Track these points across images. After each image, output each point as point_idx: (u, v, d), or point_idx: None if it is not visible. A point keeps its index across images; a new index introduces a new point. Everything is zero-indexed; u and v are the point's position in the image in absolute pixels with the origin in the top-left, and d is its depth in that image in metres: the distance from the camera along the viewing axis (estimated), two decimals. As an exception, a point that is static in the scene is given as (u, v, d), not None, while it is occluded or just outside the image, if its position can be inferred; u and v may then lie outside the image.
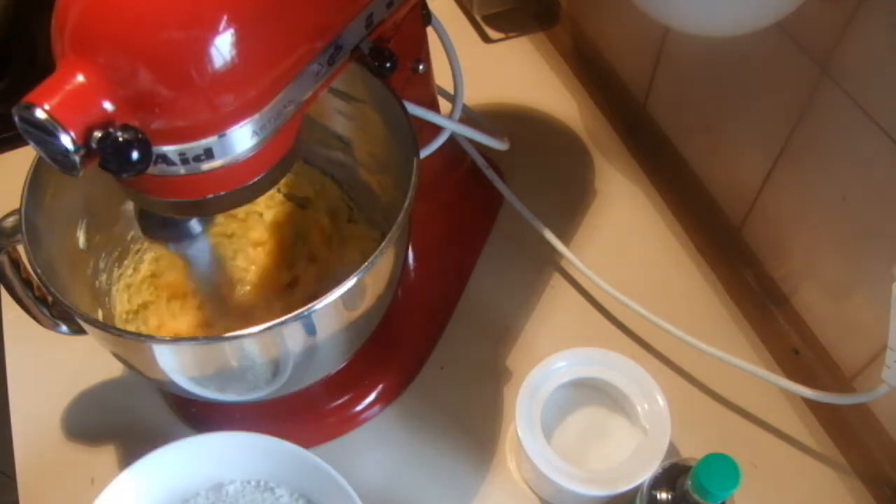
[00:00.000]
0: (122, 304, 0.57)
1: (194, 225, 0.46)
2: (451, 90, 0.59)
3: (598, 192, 0.74)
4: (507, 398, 0.62)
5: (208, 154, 0.37)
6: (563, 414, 0.57)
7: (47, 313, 0.54)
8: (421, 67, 0.55)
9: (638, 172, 0.75)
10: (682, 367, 0.63)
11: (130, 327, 0.56)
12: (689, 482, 0.45)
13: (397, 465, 0.59)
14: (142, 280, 0.59)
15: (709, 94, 0.65)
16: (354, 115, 0.56)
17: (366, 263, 0.44)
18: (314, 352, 0.48)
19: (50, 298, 0.53)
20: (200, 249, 0.49)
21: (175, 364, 0.46)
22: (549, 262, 0.70)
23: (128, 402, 0.62)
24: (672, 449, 0.58)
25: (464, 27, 0.89)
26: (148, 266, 0.59)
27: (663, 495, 0.48)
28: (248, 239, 0.62)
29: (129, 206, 0.58)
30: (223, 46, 0.34)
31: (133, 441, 0.60)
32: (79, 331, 0.54)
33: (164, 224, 0.45)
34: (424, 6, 0.54)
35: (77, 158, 0.33)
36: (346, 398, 0.61)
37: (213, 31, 0.34)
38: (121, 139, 0.34)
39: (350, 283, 0.43)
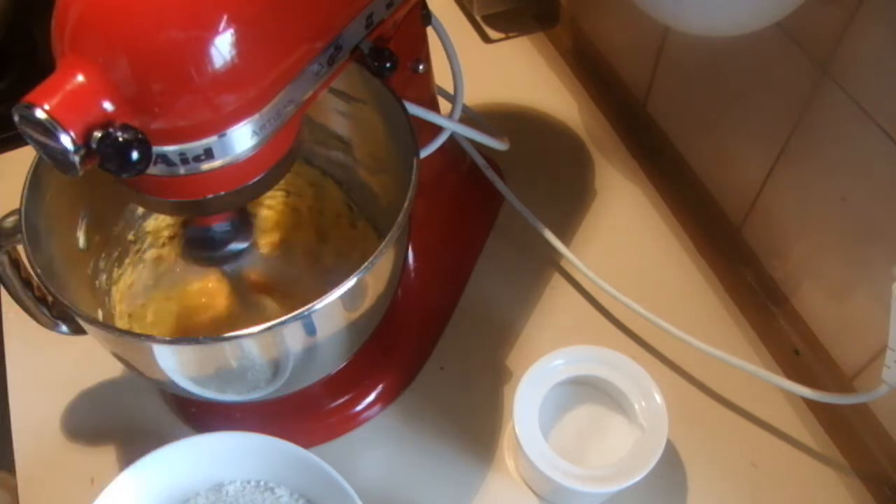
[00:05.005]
0: (122, 303, 0.57)
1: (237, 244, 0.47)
2: (451, 90, 0.59)
3: (598, 192, 0.74)
4: (507, 397, 0.62)
5: (208, 154, 0.37)
6: (560, 412, 0.57)
7: (47, 313, 0.54)
8: (421, 67, 0.55)
9: (638, 172, 0.75)
10: (681, 367, 0.63)
11: (127, 324, 0.56)
12: None
13: (397, 465, 0.59)
14: (142, 279, 0.59)
15: (709, 94, 0.65)
16: (354, 115, 0.56)
17: (366, 263, 0.44)
18: (314, 352, 0.48)
19: (50, 298, 0.53)
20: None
21: (175, 364, 0.46)
22: (549, 262, 0.70)
23: (128, 402, 0.62)
24: (671, 448, 0.59)
25: (464, 27, 0.89)
26: (149, 266, 0.59)
27: None
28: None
29: (130, 206, 0.58)
30: (223, 46, 0.34)
31: (133, 441, 0.60)
32: (79, 331, 0.54)
33: (207, 245, 0.46)
34: (424, 6, 0.54)
35: (77, 158, 0.33)
36: (346, 398, 0.61)
37: (213, 30, 0.34)
38: (121, 139, 0.34)
39: (350, 282, 0.43)
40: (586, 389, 0.57)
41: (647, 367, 0.55)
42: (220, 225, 0.46)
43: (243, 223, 0.47)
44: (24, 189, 0.46)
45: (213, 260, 0.48)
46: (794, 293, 0.62)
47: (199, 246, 0.47)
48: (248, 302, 0.59)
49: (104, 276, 0.56)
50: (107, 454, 0.60)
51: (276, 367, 0.47)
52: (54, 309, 0.54)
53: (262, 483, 0.53)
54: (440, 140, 0.58)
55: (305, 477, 0.52)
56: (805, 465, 0.58)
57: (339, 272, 0.59)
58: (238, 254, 0.47)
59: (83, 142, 0.33)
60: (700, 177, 0.70)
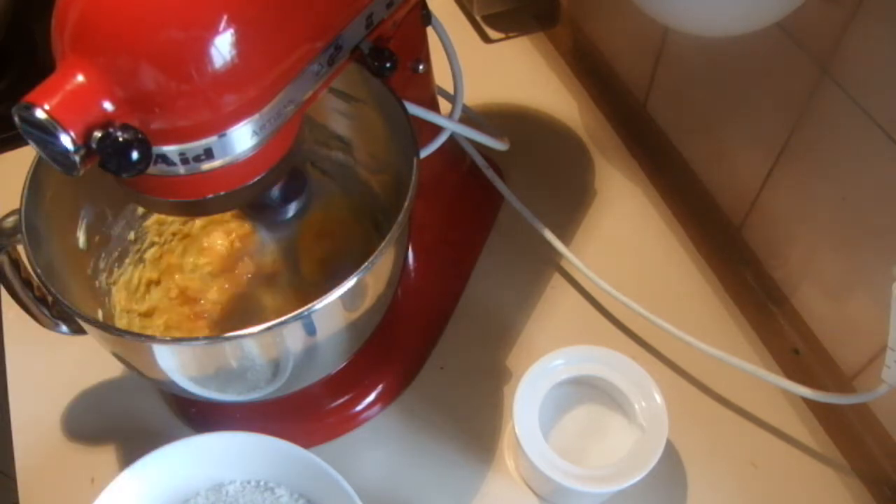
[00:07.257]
0: (121, 303, 0.57)
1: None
2: (451, 90, 0.59)
3: (598, 192, 0.74)
4: (507, 397, 0.62)
5: (208, 154, 0.37)
6: (560, 412, 0.57)
7: (47, 313, 0.54)
8: (421, 67, 0.55)
9: (638, 172, 0.75)
10: (681, 367, 0.63)
11: (127, 324, 0.56)
12: None
13: (397, 465, 0.59)
14: (142, 279, 0.59)
15: (709, 94, 0.65)
16: (354, 115, 0.56)
17: (366, 263, 0.44)
18: (314, 352, 0.48)
19: (50, 298, 0.53)
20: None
21: (175, 364, 0.46)
22: (549, 262, 0.70)
23: (128, 402, 0.62)
24: (671, 448, 0.59)
25: (464, 27, 0.89)
26: (149, 266, 0.59)
27: None
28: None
29: (130, 206, 0.58)
30: (223, 46, 0.34)
31: (133, 441, 0.60)
32: (79, 331, 0.54)
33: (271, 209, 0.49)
34: (424, 6, 0.54)
35: (77, 158, 0.33)
36: (346, 398, 0.61)
37: (213, 30, 0.34)
38: (121, 139, 0.34)
39: (350, 282, 0.43)
40: (586, 389, 0.57)
41: (647, 367, 0.55)
42: (274, 190, 0.47)
43: (295, 181, 0.48)
44: (24, 189, 0.46)
45: (282, 222, 0.49)
46: (793, 293, 0.62)
47: (262, 212, 0.49)
48: (250, 298, 0.59)
49: (104, 276, 0.56)
50: (107, 454, 0.60)
51: (276, 367, 0.47)
52: (54, 309, 0.54)
53: (262, 483, 0.53)
54: (440, 140, 0.58)
55: (305, 477, 0.52)
56: (805, 465, 0.58)
57: (339, 272, 0.60)
58: (303, 211, 0.48)
59: (83, 142, 0.33)
60: (700, 177, 0.70)
